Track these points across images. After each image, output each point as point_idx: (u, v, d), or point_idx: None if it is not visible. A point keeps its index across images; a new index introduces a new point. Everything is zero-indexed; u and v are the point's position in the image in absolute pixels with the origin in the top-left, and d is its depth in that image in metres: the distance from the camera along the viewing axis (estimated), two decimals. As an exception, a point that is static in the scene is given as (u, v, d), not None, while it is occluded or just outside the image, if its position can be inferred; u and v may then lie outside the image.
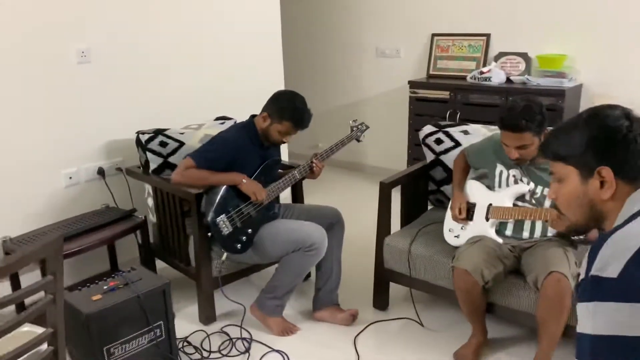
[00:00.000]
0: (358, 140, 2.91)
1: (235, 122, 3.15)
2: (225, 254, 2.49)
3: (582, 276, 1.05)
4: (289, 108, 2.52)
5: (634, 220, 1.04)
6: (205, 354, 2.48)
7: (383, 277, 2.76)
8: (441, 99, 4.15)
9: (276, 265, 2.62)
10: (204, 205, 2.46)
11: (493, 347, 2.47)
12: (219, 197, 2.45)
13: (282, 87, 3.91)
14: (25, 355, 1.37)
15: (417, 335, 2.60)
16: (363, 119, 3.06)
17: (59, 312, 1.41)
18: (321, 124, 4.72)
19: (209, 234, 2.46)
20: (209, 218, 2.43)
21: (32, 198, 2.78)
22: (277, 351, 2.48)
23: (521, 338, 2.55)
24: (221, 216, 2.44)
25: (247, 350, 2.50)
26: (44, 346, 1.44)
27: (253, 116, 2.64)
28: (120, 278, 2.29)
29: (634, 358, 0.94)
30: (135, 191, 3.09)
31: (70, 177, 2.91)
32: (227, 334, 2.61)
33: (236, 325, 2.66)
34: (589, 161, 1.12)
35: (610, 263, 0.97)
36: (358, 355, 2.46)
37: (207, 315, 2.70)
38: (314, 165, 2.67)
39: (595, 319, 0.97)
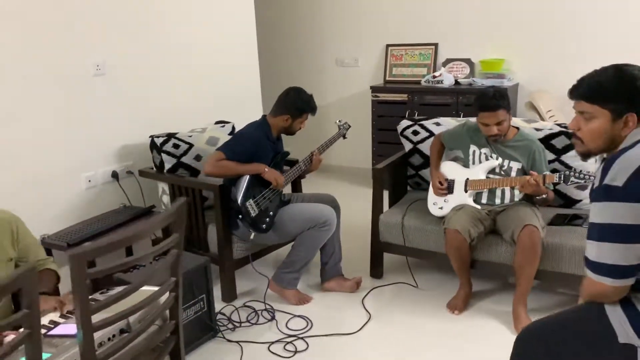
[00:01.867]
0: (344, 137, 3.38)
1: (233, 125, 3.54)
2: (253, 234, 2.85)
3: (595, 185, 1.51)
4: (302, 103, 2.94)
5: (635, 146, 1.49)
6: (237, 324, 2.82)
7: (379, 249, 3.22)
8: (400, 101, 4.69)
9: (290, 245, 3.01)
10: (234, 193, 2.82)
11: (477, 297, 2.99)
12: (245, 184, 2.81)
13: (259, 93, 4.32)
14: (152, 303, 1.68)
15: (413, 295, 3.07)
16: (327, 123, 3.49)
17: (181, 265, 1.74)
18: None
19: (240, 216, 2.81)
20: (239, 202, 2.79)
21: (58, 200, 3.02)
22: (299, 316, 2.87)
23: (499, 289, 3.08)
24: (249, 200, 2.81)
25: (273, 318, 2.87)
26: (164, 297, 1.76)
27: (264, 116, 3.03)
28: (165, 259, 2.60)
29: (628, 238, 1.42)
30: (146, 191, 3.38)
31: (89, 180, 3.16)
32: (252, 307, 2.96)
33: (257, 301, 3.01)
34: (622, 108, 1.51)
35: (618, 176, 1.43)
36: (369, 313, 2.89)
37: (230, 293, 3.03)
38: (313, 157, 3.11)
39: (603, 213, 1.46)
